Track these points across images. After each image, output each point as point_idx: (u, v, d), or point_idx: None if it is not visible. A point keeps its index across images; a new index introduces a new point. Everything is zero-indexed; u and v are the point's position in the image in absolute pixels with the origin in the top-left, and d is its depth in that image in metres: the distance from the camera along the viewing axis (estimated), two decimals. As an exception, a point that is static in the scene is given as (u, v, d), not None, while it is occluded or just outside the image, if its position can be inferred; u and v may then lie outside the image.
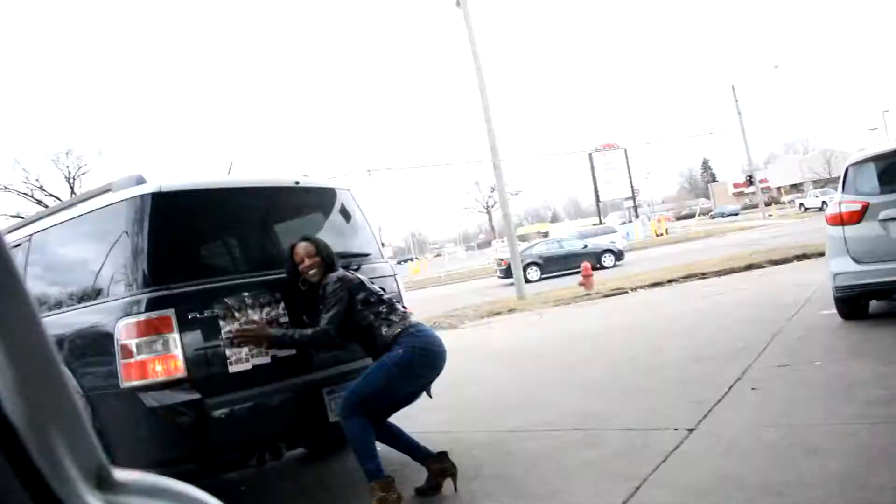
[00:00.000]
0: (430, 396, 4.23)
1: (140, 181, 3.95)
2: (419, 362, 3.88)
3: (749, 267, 14.69)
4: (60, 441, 0.45)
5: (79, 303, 3.88)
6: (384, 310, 3.98)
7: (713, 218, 65.55)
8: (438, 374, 4.05)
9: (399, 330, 3.89)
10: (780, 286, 10.74)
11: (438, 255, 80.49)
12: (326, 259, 4.04)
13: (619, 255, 28.02)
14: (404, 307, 4.18)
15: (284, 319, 4.00)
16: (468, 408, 5.94)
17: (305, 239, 4.07)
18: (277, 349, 3.88)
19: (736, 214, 66.24)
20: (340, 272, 4.03)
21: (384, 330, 3.91)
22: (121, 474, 0.52)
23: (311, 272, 3.99)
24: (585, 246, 28.75)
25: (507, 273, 25.00)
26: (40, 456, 0.38)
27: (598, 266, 26.30)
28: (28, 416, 0.39)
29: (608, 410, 5.16)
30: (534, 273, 26.52)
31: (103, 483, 0.50)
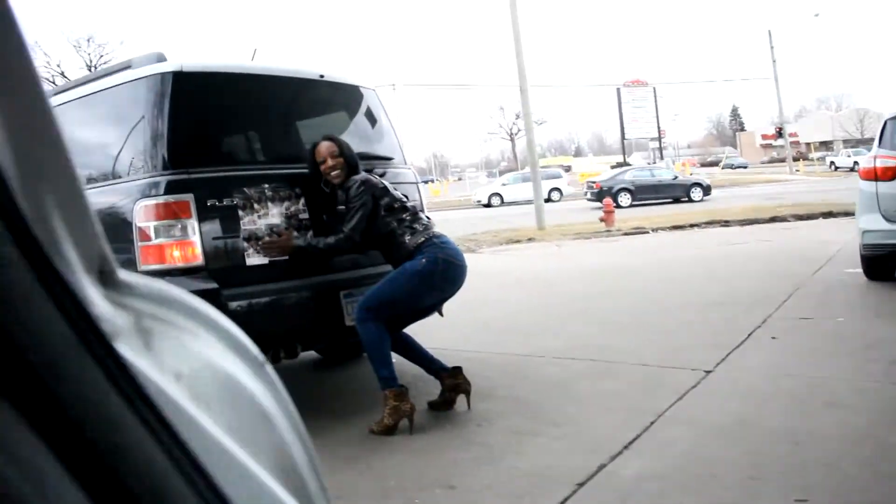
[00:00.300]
0: (442, 315, 4.20)
1: (161, 59, 3.82)
2: (441, 274, 3.80)
3: (773, 219, 14.49)
4: (59, 216, 0.40)
5: (96, 183, 3.77)
6: (407, 217, 3.88)
7: (722, 168, 64.49)
8: (457, 291, 3.99)
9: (423, 239, 3.81)
10: (805, 241, 10.59)
11: (460, 179, 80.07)
12: (349, 160, 3.91)
13: (706, 190, 27.79)
14: (428, 217, 4.10)
15: (304, 215, 3.92)
16: (484, 329, 5.92)
17: (328, 138, 3.94)
18: (303, 253, 3.81)
19: (745, 167, 65.28)
20: (364, 175, 3.91)
21: (407, 238, 3.82)
22: (125, 275, 0.48)
23: (333, 173, 3.88)
24: (676, 177, 28.89)
25: (599, 196, 25.31)
26: (39, 228, 0.35)
27: (686, 199, 26.34)
28: (27, 186, 0.36)
29: (625, 345, 5.13)
30: (625, 199, 26.84)
31: (106, 279, 0.46)
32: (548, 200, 27.40)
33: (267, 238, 3.74)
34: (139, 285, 0.50)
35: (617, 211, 19.52)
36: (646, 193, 27.39)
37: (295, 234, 3.84)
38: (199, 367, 0.50)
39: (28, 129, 0.39)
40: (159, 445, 0.35)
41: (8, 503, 0.27)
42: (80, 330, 0.35)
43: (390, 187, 3.99)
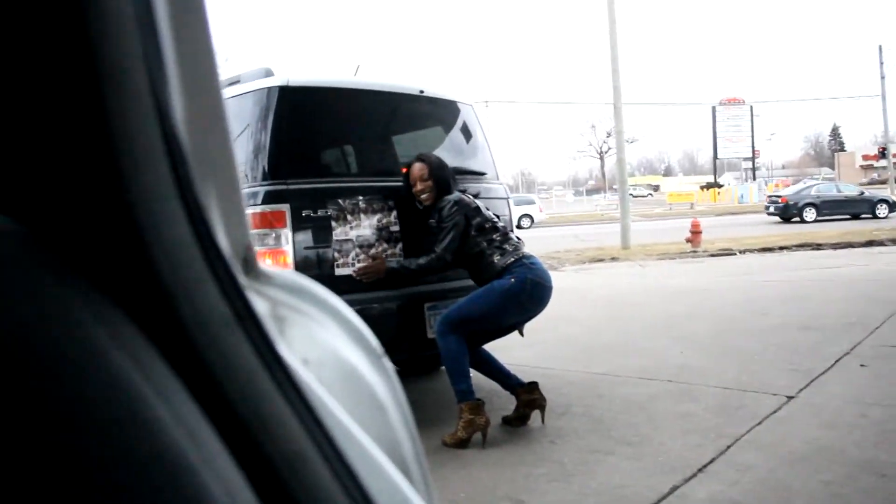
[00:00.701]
0: (522, 335, 4.21)
1: (268, 74, 3.99)
2: (528, 295, 3.82)
3: (869, 243, 13.95)
4: (218, 204, 0.44)
5: None
6: (498, 238, 3.91)
7: None
8: (541, 311, 4.01)
9: (512, 260, 3.84)
10: (903, 266, 10.16)
11: (546, 196, 79.63)
12: (438, 182, 3.95)
13: (892, 207, 27.30)
14: (518, 238, 4.12)
15: (395, 228, 3.99)
16: (562, 346, 5.91)
17: (420, 159, 3.99)
18: (398, 277, 3.88)
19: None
20: (457, 195, 3.94)
21: (496, 258, 3.85)
22: (264, 265, 0.52)
23: (422, 196, 3.94)
24: (862, 193, 28.53)
25: (785, 211, 25.66)
26: (207, 214, 0.38)
27: (871, 216, 25.84)
28: (200, 173, 0.39)
29: (705, 367, 5.04)
30: (810, 214, 26.64)
31: (249, 267, 0.49)
32: (519, 227, 26.87)
33: (361, 263, 3.83)
34: (276, 275, 0.53)
35: (799, 226, 19.04)
36: (831, 209, 26.99)
37: (388, 255, 3.91)
38: (324, 355, 0.53)
39: (205, 120, 0.44)
40: (298, 418, 0.38)
41: (176, 463, 0.29)
42: (237, 310, 0.38)
43: (482, 207, 4.02)
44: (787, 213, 26.85)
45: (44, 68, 0.32)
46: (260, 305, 0.48)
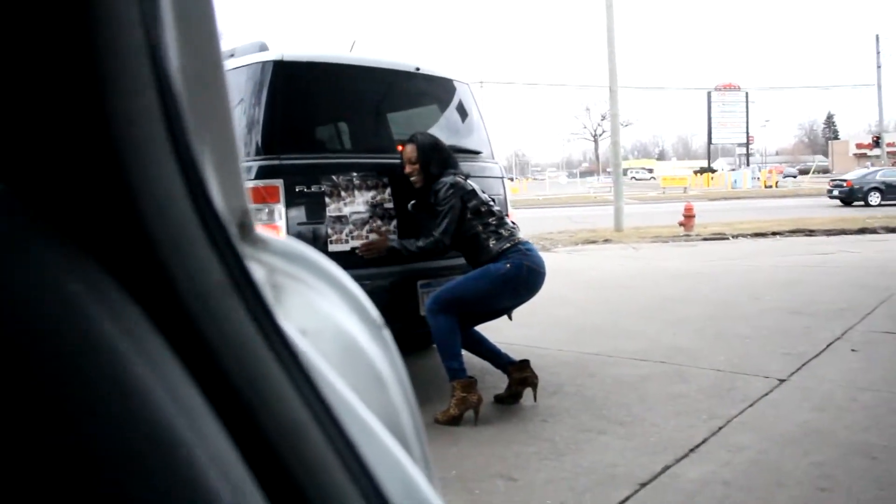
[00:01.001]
0: (511, 318, 4.20)
1: (263, 48, 3.95)
2: (523, 281, 3.81)
3: (862, 231, 13.97)
4: (214, 162, 0.42)
5: None
6: (493, 222, 3.89)
7: (784, 178, 62.12)
8: (532, 297, 4.00)
9: (508, 245, 3.81)
10: (894, 254, 10.17)
11: (539, 178, 79.65)
12: (426, 164, 3.90)
13: None
14: (513, 222, 4.09)
15: (389, 205, 3.96)
16: (554, 327, 5.91)
17: (411, 141, 3.95)
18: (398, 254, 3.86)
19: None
20: (452, 178, 3.90)
21: (491, 243, 3.83)
22: (261, 231, 0.50)
23: (412, 178, 3.92)
24: None
25: (850, 195, 25.96)
26: (192, 159, 0.35)
27: None
28: (196, 128, 0.36)
29: (697, 349, 5.04)
30: (874, 198, 26.62)
31: (246, 233, 0.47)
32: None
33: (363, 241, 3.82)
34: (273, 242, 0.51)
35: (863, 209, 18.87)
36: (894, 194, 26.94)
37: (383, 232, 3.89)
38: (322, 325, 0.51)
39: (202, 75, 0.41)
40: (296, 389, 0.36)
41: (165, 433, 0.27)
42: (234, 274, 0.36)
43: (479, 190, 3.98)
44: (852, 196, 26.86)
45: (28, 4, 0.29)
46: (256, 272, 0.46)
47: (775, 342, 5.15)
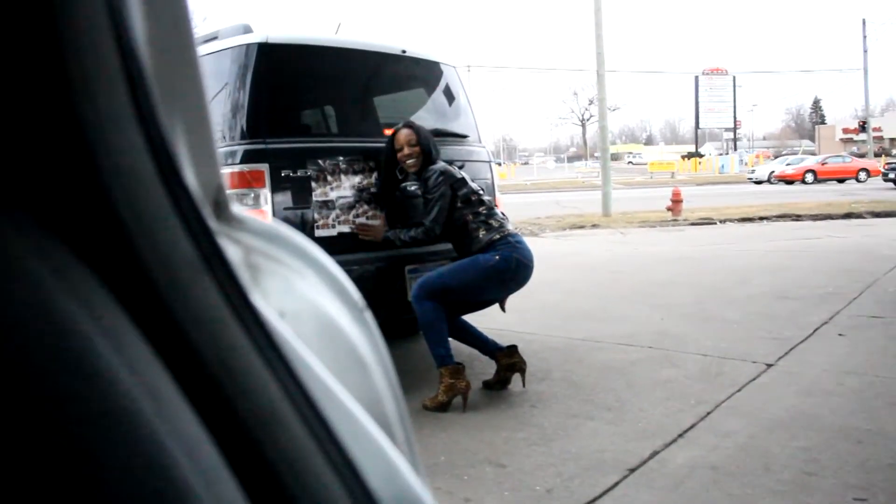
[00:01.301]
0: (504, 311, 4.19)
1: (247, 30, 3.91)
2: (511, 273, 3.80)
3: (848, 216, 14.05)
4: (186, 139, 0.40)
5: None
6: (483, 211, 3.86)
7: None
8: (520, 289, 4.00)
9: (497, 237, 3.79)
10: (880, 239, 10.24)
11: (526, 163, 79.66)
12: (425, 149, 3.88)
13: None
14: (502, 213, 4.07)
15: (375, 190, 3.95)
16: (542, 313, 5.91)
17: (408, 126, 3.92)
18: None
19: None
20: (442, 165, 3.89)
21: (481, 233, 3.80)
22: (237, 209, 0.48)
23: (409, 161, 3.87)
24: None
25: None
26: (160, 132, 0.33)
27: None
28: (165, 102, 0.35)
29: (685, 334, 5.06)
30: None
31: (221, 210, 0.46)
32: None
33: (362, 221, 3.84)
34: (250, 221, 0.50)
35: (779, 197, 18.87)
36: None
37: (370, 217, 3.89)
38: (301, 307, 0.50)
39: (170, 43, 0.39)
40: (272, 372, 0.35)
41: (129, 417, 0.26)
42: (205, 252, 0.34)
43: (468, 178, 3.97)
44: None
45: None
46: (232, 252, 0.45)
47: (763, 327, 5.17)
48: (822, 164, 36.45)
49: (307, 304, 0.50)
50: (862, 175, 35.29)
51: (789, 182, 34.27)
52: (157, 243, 0.32)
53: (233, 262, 0.36)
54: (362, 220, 3.87)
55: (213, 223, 0.39)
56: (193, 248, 0.34)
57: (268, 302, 0.45)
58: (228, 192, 0.48)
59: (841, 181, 34.52)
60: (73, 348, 0.26)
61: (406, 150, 3.86)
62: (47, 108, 0.29)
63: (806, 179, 34.99)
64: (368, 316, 0.56)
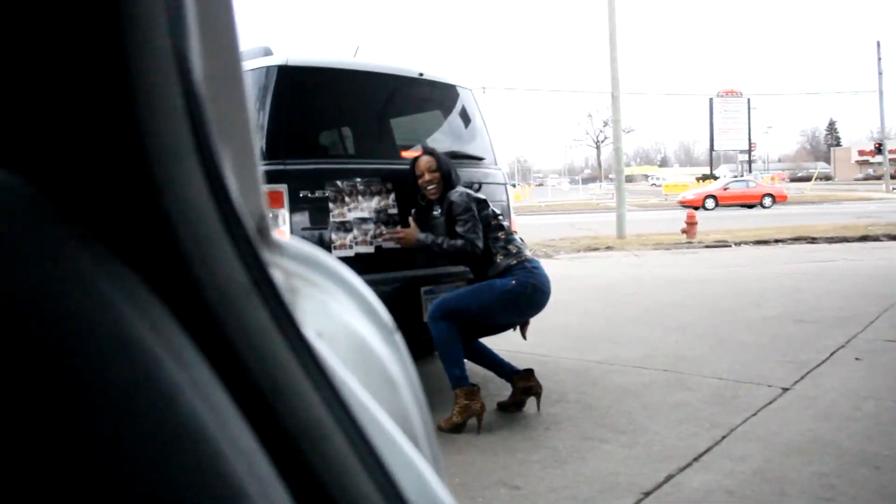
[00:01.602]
0: (525, 338, 4.22)
1: (267, 53, 3.96)
2: (527, 299, 3.83)
3: (864, 238, 13.95)
4: (233, 165, 0.42)
5: None
6: (502, 237, 3.91)
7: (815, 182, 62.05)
8: (536, 315, 4.04)
9: (515, 262, 3.83)
10: (897, 261, 10.18)
11: (541, 184, 79.73)
12: (445, 174, 3.94)
13: None
14: (521, 238, 4.09)
15: (393, 211, 3.99)
16: (557, 335, 5.88)
17: (428, 153, 3.99)
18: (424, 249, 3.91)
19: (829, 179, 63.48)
20: (463, 189, 3.94)
21: (499, 258, 3.84)
22: (277, 235, 0.51)
23: (429, 188, 3.93)
24: None
25: None
26: (215, 162, 0.35)
27: None
28: (217, 130, 0.36)
29: (700, 357, 5.05)
30: None
31: (263, 236, 0.48)
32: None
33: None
34: (289, 246, 0.52)
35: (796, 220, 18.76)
36: None
37: (386, 239, 3.92)
38: (337, 328, 0.52)
39: (223, 79, 0.42)
40: (317, 390, 0.36)
41: (196, 435, 0.28)
42: (255, 276, 0.36)
43: (489, 203, 4.01)
44: None
45: (61, 9, 0.30)
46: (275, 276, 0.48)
47: (778, 350, 5.15)
48: (725, 190, 35.41)
49: (341, 325, 0.52)
50: (767, 201, 34.14)
51: (696, 208, 32.64)
52: (212, 266, 0.34)
53: (279, 286, 0.37)
54: (366, 246, 3.87)
55: (260, 247, 0.41)
56: (245, 271, 0.36)
57: (306, 323, 0.46)
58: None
59: (750, 206, 33.49)
60: (145, 368, 0.28)
61: (427, 177, 3.91)
62: (118, 141, 0.31)
63: (706, 205, 33.86)
64: (398, 337, 0.58)
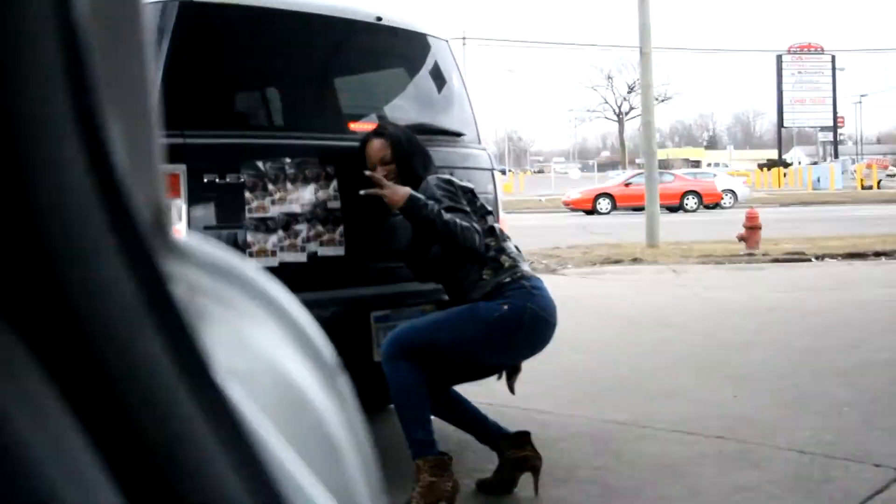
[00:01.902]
0: (513, 392, 4.15)
1: None
2: (524, 332, 3.78)
3: None
4: (124, 141, 0.40)
5: None
6: (493, 244, 3.87)
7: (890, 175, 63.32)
8: (536, 354, 4.00)
9: (508, 279, 3.77)
10: None
11: (541, 170, 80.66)
12: (407, 165, 3.92)
13: None
14: (516, 246, 4.05)
15: (334, 204, 3.99)
16: (565, 382, 5.90)
17: (379, 134, 3.99)
18: (412, 217, 3.76)
19: None
20: (439, 174, 3.95)
21: (486, 273, 3.78)
22: (178, 235, 0.51)
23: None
24: None
25: None
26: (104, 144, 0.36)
27: None
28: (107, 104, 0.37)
29: (771, 420, 5.05)
30: None
31: (162, 235, 0.48)
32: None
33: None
34: (196, 252, 0.53)
35: None
36: None
37: (325, 241, 3.95)
38: (257, 365, 0.53)
39: (116, 19, 0.42)
40: (230, 456, 0.37)
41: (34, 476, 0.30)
42: (148, 291, 0.37)
43: (478, 195, 4.04)
44: None
45: None
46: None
47: (885, 411, 5.16)
48: (626, 186, 35.35)
49: (264, 362, 0.54)
50: (690, 202, 35.09)
51: (589, 212, 33.84)
52: (90, 282, 0.35)
53: (181, 307, 0.39)
54: (295, 251, 3.86)
55: (160, 255, 0.42)
56: (135, 289, 0.36)
57: (214, 357, 0.47)
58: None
59: (672, 210, 33.09)
60: None
61: (379, 170, 3.89)
62: None
63: (599, 207, 34.67)
64: (343, 382, 0.60)
